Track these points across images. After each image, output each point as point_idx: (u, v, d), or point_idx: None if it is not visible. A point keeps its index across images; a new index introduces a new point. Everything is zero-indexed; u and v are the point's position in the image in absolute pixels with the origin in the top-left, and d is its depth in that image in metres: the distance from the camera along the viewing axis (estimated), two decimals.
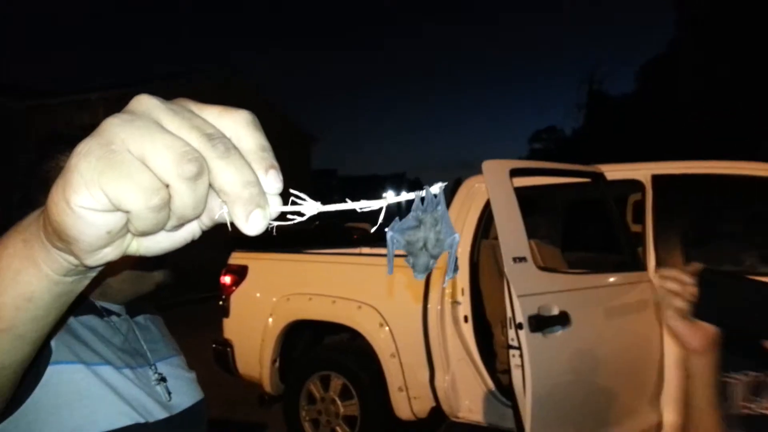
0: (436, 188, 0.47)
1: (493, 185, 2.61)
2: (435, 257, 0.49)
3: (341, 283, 3.83)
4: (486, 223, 3.59)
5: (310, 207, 0.41)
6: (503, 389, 3.29)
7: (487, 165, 2.64)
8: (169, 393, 0.99)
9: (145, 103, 0.37)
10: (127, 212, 0.35)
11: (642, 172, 3.25)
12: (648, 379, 2.91)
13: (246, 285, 4.17)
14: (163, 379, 1.00)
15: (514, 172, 2.71)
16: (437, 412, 3.53)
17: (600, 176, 3.15)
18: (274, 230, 0.41)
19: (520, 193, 2.69)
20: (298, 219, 0.42)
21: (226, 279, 4.24)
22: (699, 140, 15.35)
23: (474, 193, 3.61)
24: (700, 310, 1.11)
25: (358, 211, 0.44)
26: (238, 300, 4.20)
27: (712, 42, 17.45)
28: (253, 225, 0.37)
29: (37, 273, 0.43)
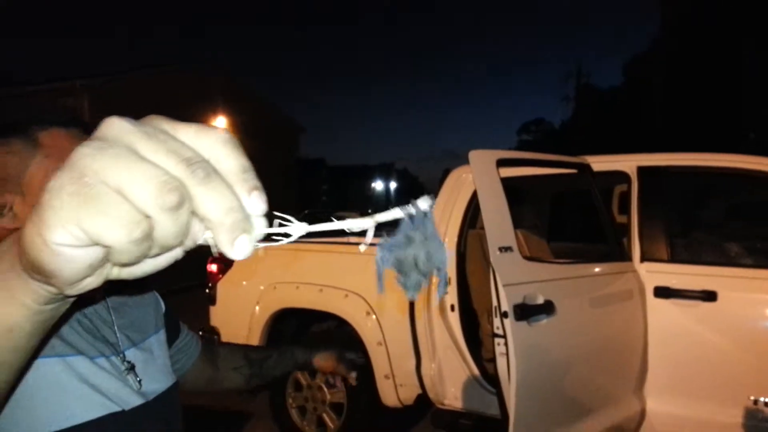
0: (425, 204, 0.45)
1: (480, 175, 2.61)
2: (426, 275, 0.48)
3: (328, 271, 3.83)
4: (473, 213, 3.60)
5: (297, 228, 0.40)
6: (489, 377, 3.32)
7: (474, 155, 2.64)
8: (140, 381, 0.98)
9: (116, 127, 0.35)
10: (107, 246, 0.34)
11: (628, 163, 3.28)
12: (632, 368, 2.95)
13: (232, 273, 4.16)
14: (132, 367, 0.98)
15: (501, 163, 2.71)
16: (423, 399, 3.55)
17: (586, 167, 3.17)
18: (261, 252, 0.40)
19: (507, 183, 2.70)
20: (285, 240, 0.41)
21: (213, 267, 4.23)
22: (685, 133, 15.47)
23: (461, 183, 3.62)
24: None
25: (347, 231, 0.43)
26: (224, 288, 4.19)
27: (695, 38, 17.57)
28: (239, 251, 0.36)
29: (15, 304, 0.41)
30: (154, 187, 0.33)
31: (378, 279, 0.49)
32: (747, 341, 2.85)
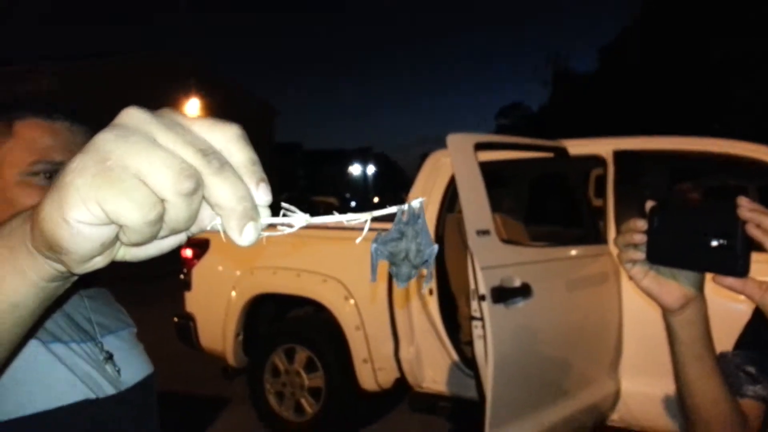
0: (417, 203, 0.50)
1: (458, 159, 2.60)
2: (416, 267, 0.52)
3: (306, 256, 3.81)
4: (451, 197, 3.60)
5: (299, 219, 0.43)
6: (467, 360, 3.34)
7: (452, 138, 2.63)
8: (118, 370, 0.98)
9: (136, 117, 0.38)
10: (122, 226, 0.36)
11: (604, 147, 3.30)
12: (607, 350, 2.99)
13: (208, 258, 4.11)
14: (110, 356, 0.98)
15: (479, 146, 2.71)
16: (401, 383, 3.57)
17: (563, 151, 3.19)
18: (265, 240, 0.42)
19: (485, 167, 2.70)
20: (288, 230, 0.43)
21: (188, 252, 4.17)
22: (660, 117, 15.71)
23: (439, 167, 3.61)
24: (650, 253, 0.88)
25: (345, 223, 0.46)
26: (200, 273, 4.14)
27: (667, 26, 17.83)
28: (246, 237, 0.38)
29: (23, 280, 0.43)
30: (173, 173, 0.35)
31: (372, 269, 0.54)
32: (719, 321, 2.90)
